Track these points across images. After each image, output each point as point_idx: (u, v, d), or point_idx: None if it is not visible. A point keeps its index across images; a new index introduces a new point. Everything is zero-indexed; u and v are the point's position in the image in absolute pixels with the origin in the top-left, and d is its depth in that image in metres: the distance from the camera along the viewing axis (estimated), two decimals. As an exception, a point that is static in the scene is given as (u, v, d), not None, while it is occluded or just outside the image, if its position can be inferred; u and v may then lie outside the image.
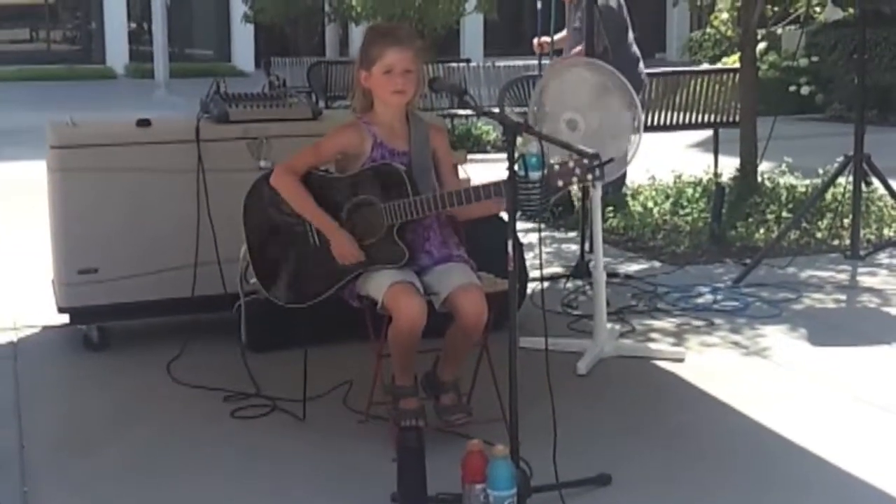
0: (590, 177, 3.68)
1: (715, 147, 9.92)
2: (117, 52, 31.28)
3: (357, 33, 28.92)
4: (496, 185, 3.81)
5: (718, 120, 9.95)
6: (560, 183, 3.70)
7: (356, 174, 4.14)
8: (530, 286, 5.78)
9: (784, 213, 8.00)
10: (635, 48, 8.43)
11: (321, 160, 4.21)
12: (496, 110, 7.91)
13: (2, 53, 30.66)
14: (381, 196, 4.05)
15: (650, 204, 8.46)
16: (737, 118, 9.40)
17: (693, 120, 10.00)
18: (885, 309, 6.07)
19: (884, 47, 16.21)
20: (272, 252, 4.26)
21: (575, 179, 3.69)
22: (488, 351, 4.23)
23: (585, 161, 3.65)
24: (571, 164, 3.66)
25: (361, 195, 4.10)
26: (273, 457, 4.08)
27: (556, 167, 3.67)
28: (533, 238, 6.29)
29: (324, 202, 4.13)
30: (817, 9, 11.24)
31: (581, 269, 6.51)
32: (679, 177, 9.24)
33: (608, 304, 5.39)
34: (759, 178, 8.87)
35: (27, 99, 20.90)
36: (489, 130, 13.61)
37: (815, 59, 17.65)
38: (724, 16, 13.47)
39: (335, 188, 4.15)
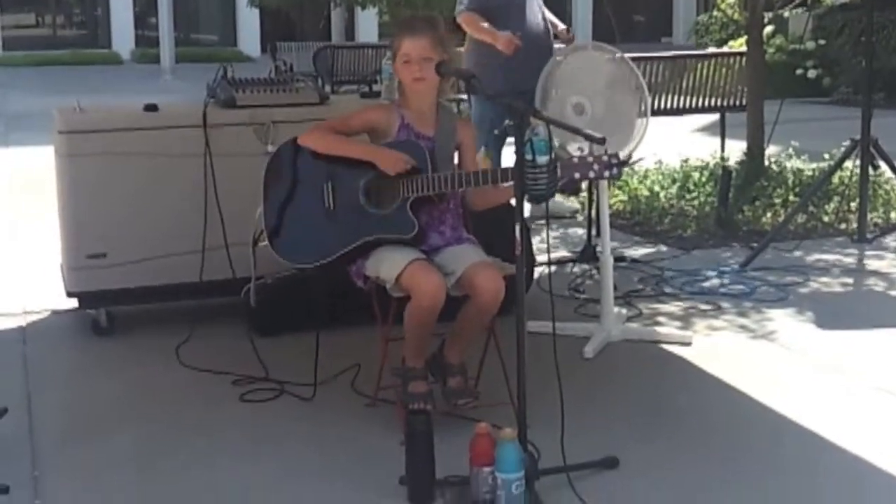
0: (607, 173, 3.71)
1: (722, 131, 9.89)
2: (123, 37, 31.28)
3: (363, 18, 28.97)
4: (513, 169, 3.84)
5: (725, 104, 9.91)
6: (577, 175, 3.74)
7: (382, 146, 4.23)
8: (537, 270, 5.79)
9: (791, 197, 8.00)
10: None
11: (348, 131, 4.30)
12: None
13: (8, 39, 30.68)
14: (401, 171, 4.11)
15: (657, 188, 8.45)
16: (743, 102, 9.38)
17: (700, 104, 9.96)
18: (892, 293, 6.07)
19: (891, 30, 16.18)
20: (287, 213, 4.29)
21: (592, 174, 3.73)
22: (496, 335, 4.24)
23: (605, 157, 3.68)
24: (590, 158, 3.69)
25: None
26: (281, 440, 4.10)
27: (575, 159, 3.70)
28: (539, 222, 6.30)
29: (346, 169, 4.19)
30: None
31: (588, 254, 6.52)
32: (686, 161, 9.23)
33: (615, 287, 5.39)
34: (766, 162, 8.86)
35: (34, 84, 20.92)
36: (496, 115, 13.57)
37: (822, 42, 17.61)
38: (732, -1, 13.44)
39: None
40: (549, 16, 7.42)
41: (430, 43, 4.17)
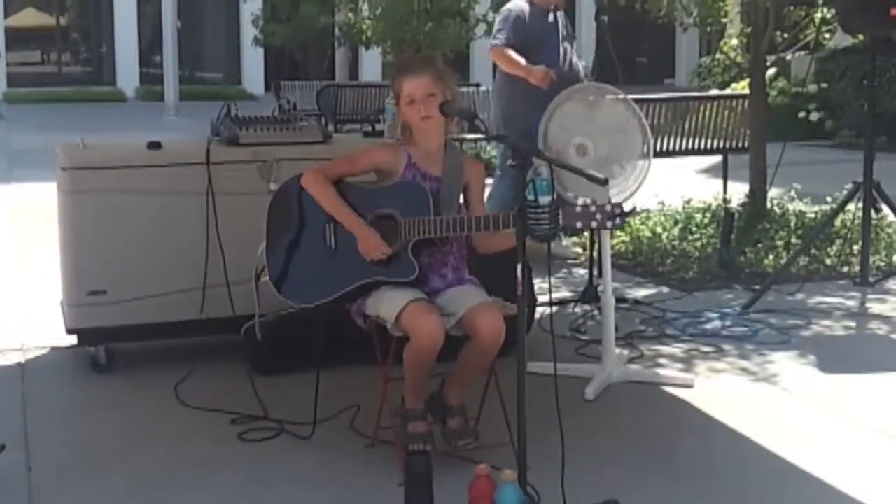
0: (609, 223, 3.69)
1: (724, 173, 9.91)
2: (128, 74, 31.43)
3: (367, 57, 29.13)
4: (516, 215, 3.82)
5: (728, 146, 9.94)
6: (579, 225, 3.72)
7: (384, 187, 4.22)
8: (539, 311, 5.78)
9: (793, 240, 8.00)
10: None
11: (354, 172, 4.28)
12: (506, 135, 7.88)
13: (14, 75, 30.83)
14: (403, 213, 4.09)
15: (659, 229, 8.45)
16: (746, 144, 9.40)
17: (702, 145, 9.99)
18: (894, 336, 6.05)
19: (893, 74, 16.22)
20: (288, 251, 4.28)
21: (594, 224, 3.71)
22: (496, 375, 4.22)
23: (608, 207, 3.67)
24: (593, 208, 3.68)
25: (384, 208, 4.14)
26: (280, 480, 4.08)
27: (578, 209, 3.68)
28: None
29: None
30: (827, 35, 11.25)
31: (589, 294, 6.51)
32: (688, 202, 9.24)
33: (616, 329, 5.38)
34: (769, 204, 8.87)
35: (38, 121, 20.98)
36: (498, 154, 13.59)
37: (824, 85, 17.68)
38: (734, 42, 13.48)
39: (361, 197, 4.20)
40: (575, 59, 7.46)
41: (432, 79, 4.17)
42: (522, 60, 7.02)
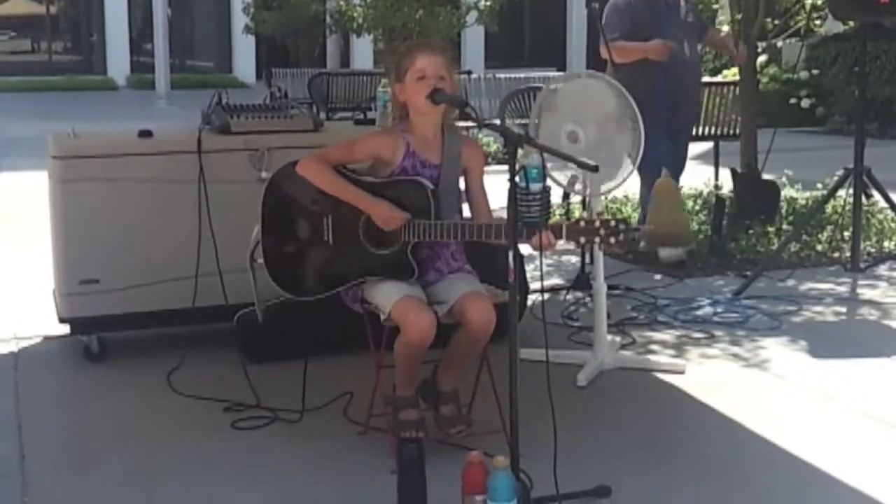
0: (612, 240, 3.68)
1: (715, 159, 9.92)
2: (119, 63, 31.27)
3: (358, 45, 29.04)
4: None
5: (719, 132, 9.94)
6: (582, 240, 3.72)
7: (385, 183, 4.13)
8: (531, 298, 5.79)
9: (784, 226, 8.01)
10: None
11: (352, 160, 4.21)
12: (497, 122, 7.88)
13: (3, 64, 30.67)
14: (403, 210, 4.05)
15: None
16: (737, 131, 9.40)
17: (694, 132, 9.97)
18: (885, 322, 6.07)
19: (884, 60, 16.24)
20: (285, 241, 4.26)
21: (598, 240, 3.71)
22: (489, 362, 4.23)
23: (612, 224, 3.66)
24: (598, 223, 3.67)
25: None
26: (273, 468, 4.08)
27: (582, 223, 3.68)
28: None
29: (347, 204, 4.12)
30: (817, 22, 11.26)
31: (581, 281, 6.52)
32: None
33: (608, 316, 5.39)
34: (760, 191, 8.87)
35: (29, 110, 20.89)
36: (490, 142, 13.61)
37: (815, 71, 17.69)
38: (725, 28, 13.49)
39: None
40: (713, 36, 7.41)
41: (445, 62, 4.09)
42: (633, 43, 6.99)
